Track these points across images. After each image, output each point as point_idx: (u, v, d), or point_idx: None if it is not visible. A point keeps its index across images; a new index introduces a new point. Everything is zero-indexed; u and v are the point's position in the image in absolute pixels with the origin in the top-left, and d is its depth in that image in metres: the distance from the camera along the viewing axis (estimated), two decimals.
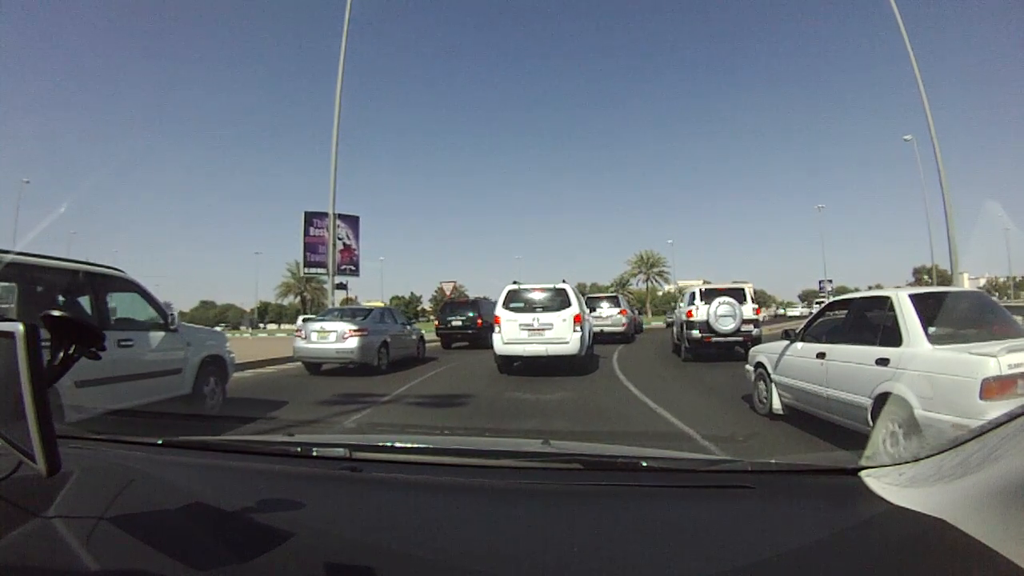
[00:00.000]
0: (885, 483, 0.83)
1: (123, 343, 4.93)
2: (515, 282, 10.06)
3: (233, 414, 5.84)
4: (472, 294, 26.99)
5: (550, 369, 9.29)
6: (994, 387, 2.99)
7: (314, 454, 1.25)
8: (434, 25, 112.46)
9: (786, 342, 5.35)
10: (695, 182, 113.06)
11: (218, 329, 9.93)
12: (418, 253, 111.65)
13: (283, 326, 59.29)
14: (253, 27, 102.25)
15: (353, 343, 9.95)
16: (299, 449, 1.32)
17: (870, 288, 22.37)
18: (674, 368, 10.75)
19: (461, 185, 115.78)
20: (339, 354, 10.02)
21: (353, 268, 20.45)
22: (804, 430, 4.88)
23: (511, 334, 9.45)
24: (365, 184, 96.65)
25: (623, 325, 18.12)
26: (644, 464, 1.13)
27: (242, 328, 63.72)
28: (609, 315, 18.09)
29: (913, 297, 3.93)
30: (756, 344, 7.57)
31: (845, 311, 4.94)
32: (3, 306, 4.40)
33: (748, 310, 11.30)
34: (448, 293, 28.80)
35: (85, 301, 4.86)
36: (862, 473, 0.90)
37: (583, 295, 12.24)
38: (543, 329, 9.36)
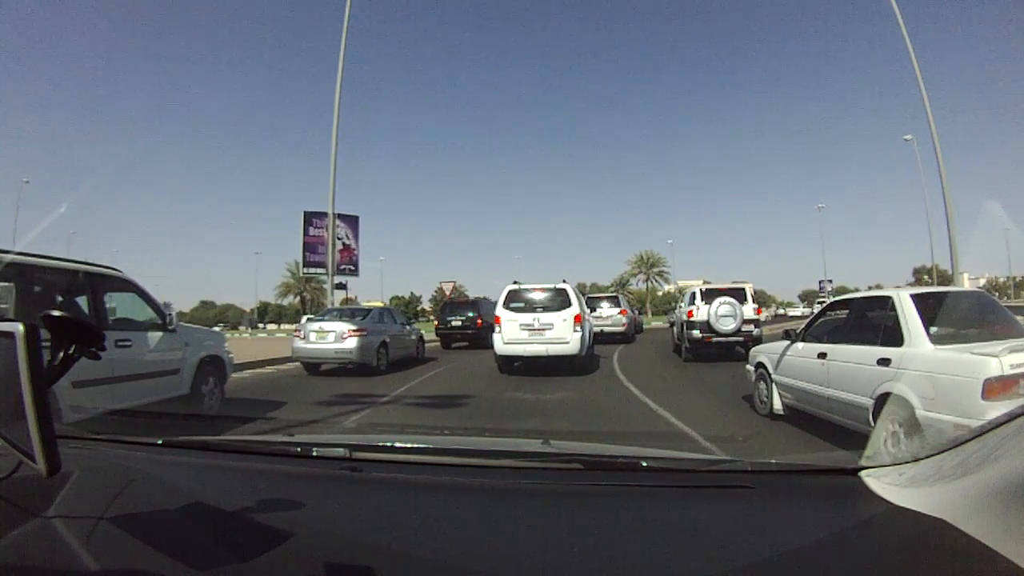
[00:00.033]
0: (885, 483, 0.83)
1: (121, 343, 4.92)
2: (515, 282, 10.06)
3: (232, 414, 5.83)
4: (472, 294, 27.04)
5: (550, 369, 9.28)
6: (996, 387, 2.98)
7: (314, 454, 1.25)
8: (434, 25, 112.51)
9: (787, 342, 5.35)
10: (695, 182, 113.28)
11: (216, 329, 9.90)
12: (418, 253, 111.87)
13: (283, 326, 59.33)
14: (253, 27, 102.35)
15: (352, 343, 9.93)
16: (299, 449, 1.32)
17: (870, 288, 22.37)
18: (675, 368, 10.75)
19: (461, 185, 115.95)
20: (338, 354, 10.00)
21: (352, 268, 20.45)
22: (805, 430, 4.88)
23: (511, 334, 9.45)
24: (365, 184, 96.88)
25: (623, 325, 18.12)
26: (644, 464, 1.13)
27: (241, 328, 63.69)
28: (609, 315, 18.10)
29: (914, 297, 3.92)
30: (757, 344, 7.57)
31: (846, 311, 4.93)
32: (1, 306, 4.40)
33: (749, 310, 11.29)
34: (448, 293, 28.80)
35: (83, 301, 4.85)
36: (862, 473, 0.90)
37: (583, 295, 12.24)
38: (543, 329, 9.36)
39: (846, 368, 4.26)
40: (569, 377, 8.94)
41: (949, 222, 16.04)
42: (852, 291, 13.99)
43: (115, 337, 4.85)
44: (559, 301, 9.56)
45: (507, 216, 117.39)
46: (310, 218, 19.32)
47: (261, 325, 71.83)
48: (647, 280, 66.82)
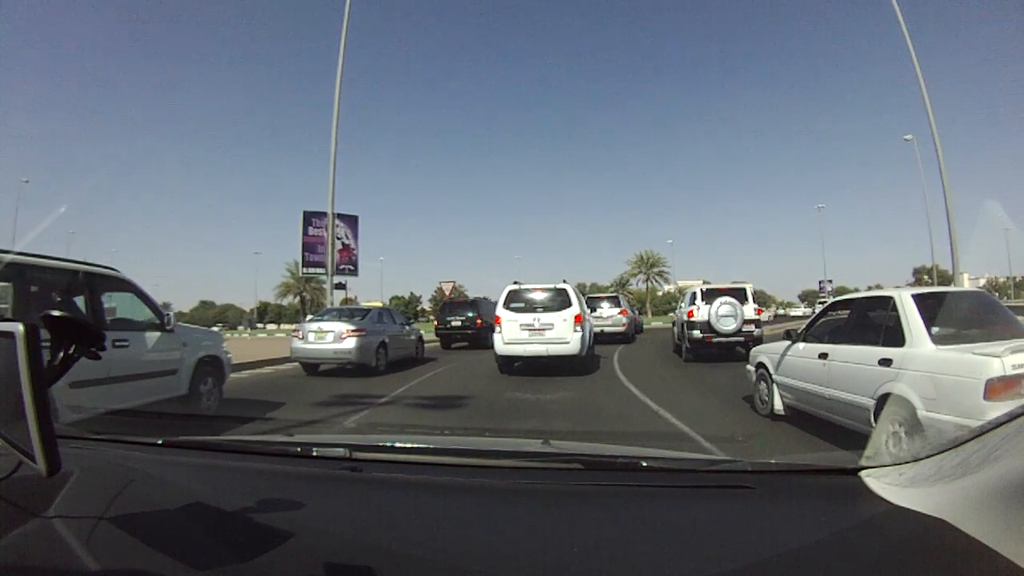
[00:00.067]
0: (885, 483, 0.83)
1: (118, 343, 4.90)
2: (516, 282, 10.06)
3: (231, 414, 5.82)
4: (472, 294, 27.00)
5: (551, 369, 9.28)
6: (998, 388, 2.98)
7: (314, 454, 1.25)
8: (434, 25, 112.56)
9: (788, 342, 5.34)
10: (695, 182, 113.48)
11: (215, 329, 9.86)
12: (418, 253, 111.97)
13: (282, 326, 59.31)
14: (252, 27, 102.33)
15: (351, 343, 9.90)
16: (299, 449, 1.32)
17: (870, 288, 22.37)
18: (675, 368, 10.74)
19: (461, 185, 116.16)
20: (336, 355, 9.97)
21: (352, 268, 20.44)
22: (805, 431, 4.87)
23: (512, 334, 9.45)
24: (365, 184, 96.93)
25: (623, 325, 18.12)
26: (644, 464, 1.13)
27: (239, 328, 63.65)
28: (610, 315, 18.10)
29: (916, 297, 3.91)
30: (757, 344, 7.56)
31: (847, 311, 4.92)
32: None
33: (749, 310, 11.28)
34: (447, 293, 28.79)
35: (80, 301, 4.83)
36: (862, 473, 0.90)
37: (583, 295, 12.24)
38: (544, 329, 9.35)
39: (847, 368, 4.25)
40: (569, 377, 8.93)
41: (950, 222, 16.07)
42: (852, 291, 13.98)
43: (113, 337, 4.83)
44: (559, 301, 9.55)
45: (507, 216, 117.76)
46: (309, 218, 19.31)
47: (260, 325, 71.80)
48: (647, 280, 66.85)
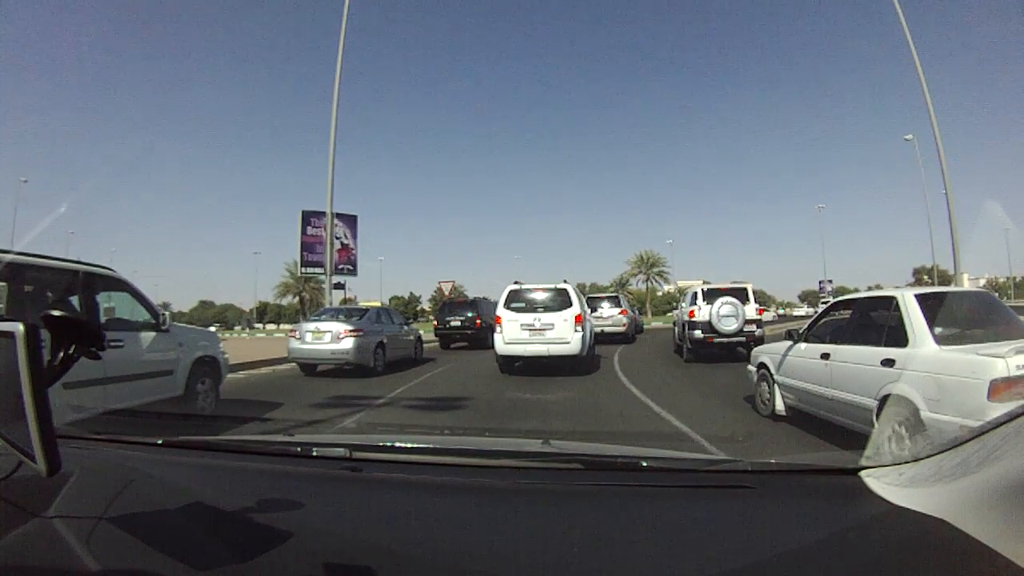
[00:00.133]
0: (885, 483, 0.83)
1: (113, 344, 4.87)
2: (516, 282, 10.06)
3: (229, 415, 5.80)
4: (471, 294, 27.00)
5: (551, 369, 9.28)
6: (1002, 388, 2.97)
7: (314, 454, 1.25)
8: (434, 24, 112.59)
9: (789, 342, 5.33)
10: (695, 182, 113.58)
11: (212, 329, 9.82)
12: (418, 253, 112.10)
13: (282, 326, 59.29)
14: (252, 26, 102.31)
15: (348, 344, 9.85)
16: (299, 449, 1.32)
17: (870, 288, 22.35)
18: (676, 369, 10.74)
19: (461, 185, 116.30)
20: (334, 355, 9.92)
21: (351, 268, 20.41)
22: (806, 431, 4.87)
23: (512, 334, 9.45)
24: (365, 184, 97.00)
25: (624, 325, 18.12)
26: (644, 464, 1.13)
27: (237, 328, 63.62)
28: (610, 315, 18.09)
29: (919, 297, 3.90)
30: (759, 344, 7.55)
31: (849, 311, 4.91)
32: None
33: (751, 310, 11.27)
34: (447, 293, 28.77)
35: (74, 301, 4.80)
36: (862, 473, 0.90)
37: (583, 295, 12.25)
38: (544, 329, 9.35)
39: (850, 369, 4.24)
40: (570, 377, 8.93)
41: (951, 222, 16.04)
42: (852, 291, 13.95)
43: (108, 337, 4.81)
44: (560, 301, 9.55)
45: (507, 216, 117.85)
46: (308, 217, 19.28)
47: (260, 325, 71.77)
48: (647, 280, 66.76)
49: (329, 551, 0.77)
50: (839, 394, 4.31)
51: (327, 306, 14.78)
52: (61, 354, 0.75)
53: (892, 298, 4.11)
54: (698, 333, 11.22)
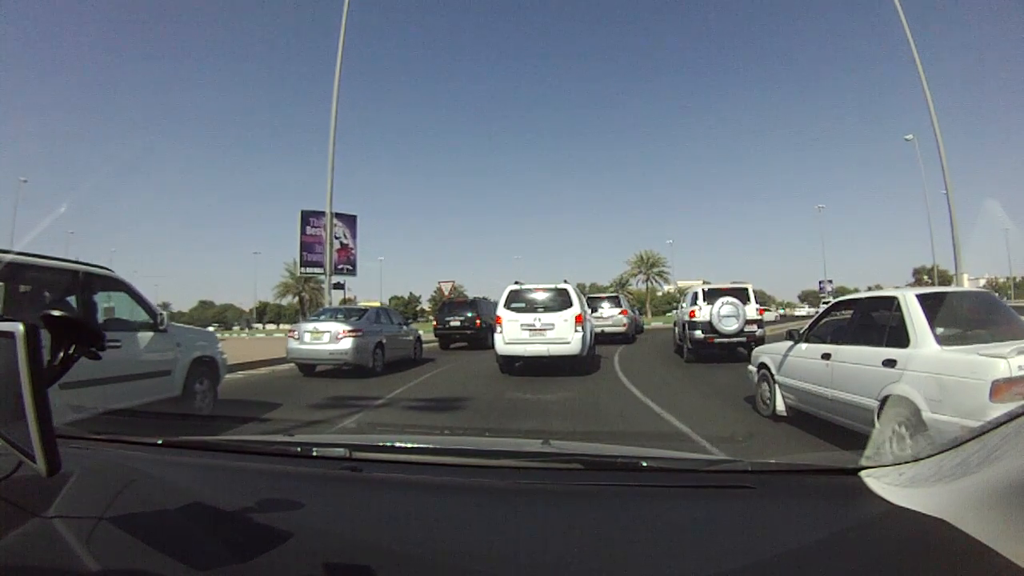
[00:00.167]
0: (885, 483, 0.83)
1: (111, 344, 4.82)
2: (517, 282, 10.05)
3: (228, 415, 5.78)
4: (471, 294, 27.00)
5: (551, 369, 9.27)
6: (1004, 389, 2.97)
7: (314, 454, 1.25)
8: (434, 24, 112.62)
9: (790, 343, 5.32)
10: (695, 182, 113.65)
11: (210, 330, 9.77)
12: (418, 253, 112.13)
13: (281, 326, 59.27)
14: (251, 26, 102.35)
15: (347, 344, 9.82)
16: (299, 449, 1.32)
17: (870, 288, 22.35)
18: (676, 369, 10.73)
19: (461, 185, 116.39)
20: (332, 355, 9.88)
21: (350, 268, 20.37)
22: (807, 431, 4.86)
23: (513, 334, 9.45)
24: (364, 184, 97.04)
25: (624, 325, 18.12)
26: (644, 464, 1.13)
27: (235, 328, 63.58)
28: (610, 315, 18.09)
29: (920, 297, 3.89)
30: (760, 345, 7.54)
31: (850, 312, 4.89)
32: None
33: (751, 310, 11.26)
34: (447, 293, 28.77)
35: (72, 301, 4.77)
36: (862, 473, 0.90)
37: (583, 295, 12.25)
38: (545, 329, 9.35)
39: (851, 369, 4.23)
40: (570, 378, 8.93)
41: (952, 222, 15.99)
42: (852, 291, 13.93)
43: (106, 337, 4.78)
44: (560, 301, 9.55)
45: (507, 216, 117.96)
46: (307, 217, 19.24)
47: (259, 325, 71.75)
48: (647, 280, 66.72)
49: (329, 551, 0.77)
50: (840, 394, 4.31)
51: (326, 306, 14.75)
52: (61, 354, 0.75)
53: (893, 298, 4.10)
54: (699, 333, 11.21)
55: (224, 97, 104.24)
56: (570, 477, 1.11)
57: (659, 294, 70.93)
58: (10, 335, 0.63)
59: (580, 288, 11.23)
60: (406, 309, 67.75)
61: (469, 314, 17.16)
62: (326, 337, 9.94)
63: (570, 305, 9.48)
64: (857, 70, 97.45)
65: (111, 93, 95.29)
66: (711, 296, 11.48)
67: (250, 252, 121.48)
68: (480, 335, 16.09)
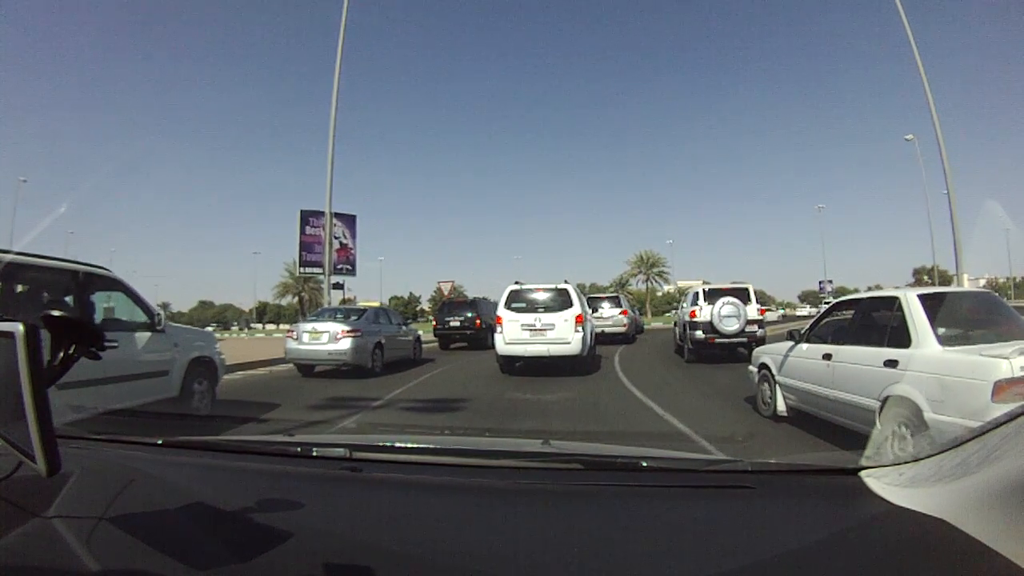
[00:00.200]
0: (885, 483, 0.83)
1: (107, 344, 4.83)
2: (517, 282, 10.05)
3: (228, 415, 5.76)
4: (471, 294, 26.98)
5: (552, 370, 9.27)
6: (1006, 389, 2.96)
7: (314, 454, 1.25)
8: (433, 24, 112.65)
9: (791, 343, 5.31)
10: (695, 182, 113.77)
11: (208, 330, 9.72)
12: (418, 253, 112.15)
13: (281, 326, 59.24)
14: (251, 26, 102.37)
15: (346, 344, 9.79)
16: (299, 449, 1.32)
17: (870, 289, 22.33)
18: (677, 369, 10.73)
19: (461, 185, 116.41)
20: (331, 355, 9.84)
21: (350, 267, 20.35)
22: (808, 432, 4.86)
23: (513, 334, 9.45)
24: (364, 184, 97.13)
25: (624, 325, 18.12)
26: (644, 464, 1.13)
27: (233, 328, 63.54)
28: (610, 315, 18.08)
29: (922, 297, 3.88)
30: (760, 345, 7.53)
31: (851, 312, 4.88)
32: None
33: (752, 310, 11.25)
34: (446, 293, 28.78)
35: (68, 300, 4.76)
36: (862, 473, 0.90)
37: (583, 295, 12.24)
38: (545, 329, 9.35)
39: (852, 370, 4.22)
40: (570, 378, 8.93)
41: (953, 222, 15.95)
42: (852, 291, 13.91)
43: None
44: (561, 301, 9.55)
45: (507, 216, 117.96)
46: (307, 217, 19.23)
47: (259, 325, 71.72)
48: (647, 280, 66.67)
49: (329, 551, 0.77)
50: (841, 395, 4.30)
51: (326, 306, 14.74)
52: (61, 354, 0.75)
53: (895, 298, 4.09)
54: (699, 333, 11.20)
55: (224, 97, 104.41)
56: (570, 477, 1.11)
57: (659, 294, 70.91)
58: (10, 335, 0.63)
59: (580, 288, 11.20)
60: (406, 309, 67.76)
61: (469, 314, 17.12)
62: (325, 337, 9.91)
63: (570, 305, 9.48)
64: (857, 70, 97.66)
65: (111, 93, 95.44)
66: (712, 296, 11.46)
67: (250, 252, 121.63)
68: (480, 335, 16.07)
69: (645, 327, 27.45)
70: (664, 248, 74.03)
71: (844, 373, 4.32)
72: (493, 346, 9.81)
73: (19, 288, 4.55)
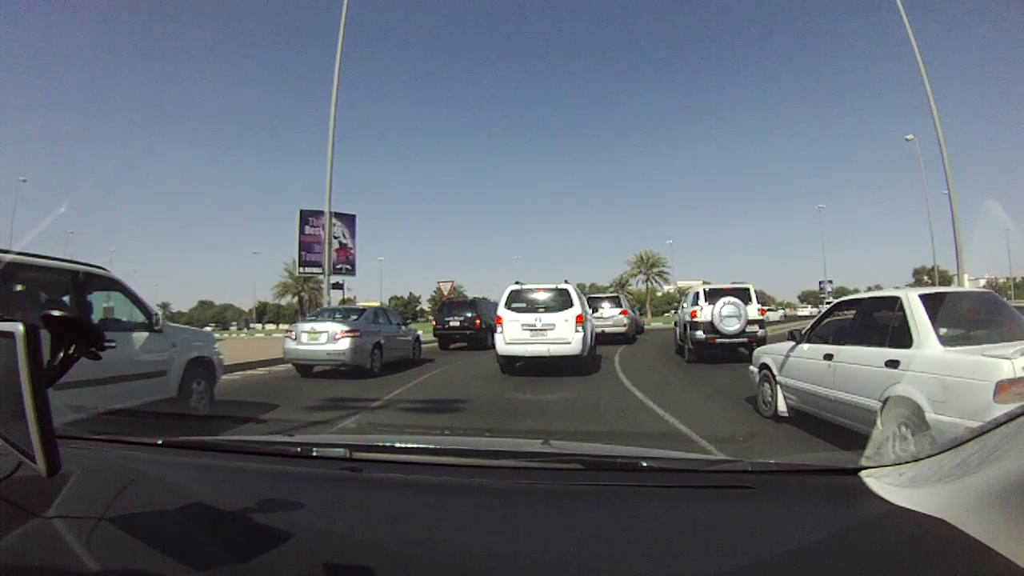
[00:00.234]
0: (885, 483, 0.83)
1: (106, 344, 4.81)
2: (518, 282, 10.06)
3: (227, 415, 5.75)
4: (471, 294, 26.94)
5: (552, 370, 9.27)
6: (1008, 389, 2.95)
7: (314, 454, 1.25)
8: (433, 23, 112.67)
9: (792, 343, 5.31)
10: (695, 182, 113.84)
11: (207, 330, 9.70)
12: (418, 253, 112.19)
13: (281, 326, 59.25)
14: (251, 26, 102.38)
15: (344, 344, 9.75)
16: (299, 449, 1.32)
17: (870, 289, 22.33)
18: (677, 369, 10.72)
19: (461, 185, 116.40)
20: (330, 356, 9.81)
21: (349, 267, 20.31)
22: (809, 432, 4.85)
23: (513, 334, 9.45)
24: (364, 184, 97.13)
25: (625, 326, 18.12)
26: (644, 464, 1.13)
27: (232, 328, 63.51)
28: (611, 315, 18.08)
29: (923, 297, 3.87)
30: (761, 345, 7.53)
31: (852, 312, 4.87)
32: None
33: (753, 310, 11.24)
34: (446, 293, 28.77)
35: (66, 300, 4.74)
36: (862, 473, 0.90)
37: (583, 295, 12.23)
38: (545, 329, 9.35)
39: (853, 370, 4.21)
40: (571, 378, 8.92)
41: (954, 222, 15.93)
42: (852, 292, 13.90)
43: None
44: (561, 301, 9.55)
45: (507, 216, 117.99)
46: (306, 217, 19.19)
47: (259, 325, 71.72)
48: (647, 280, 66.65)
49: (329, 551, 0.77)
50: (842, 395, 4.29)
51: (326, 306, 14.73)
52: (61, 354, 0.75)
53: (896, 299, 4.08)
54: (700, 334, 11.19)
55: (224, 97, 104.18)
56: (570, 477, 1.11)
57: (659, 294, 70.91)
58: (10, 335, 0.63)
59: (580, 288, 11.19)
60: (406, 309, 67.77)
61: (469, 314, 17.10)
62: (323, 337, 9.88)
63: (571, 305, 9.48)
64: (857, 70, 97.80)
65: (111, 93, 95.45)
66: (713, 296, 11.45)
67: (250, 252, 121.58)
68: (480, 335, 16.07)
69: (645, 327, 27.44)
70: (664, 248, 74.23)
71: (845, 373, 4.31)
72: (493, 346, 9.80)
73: (17, 288, 4.53)
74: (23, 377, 0.62)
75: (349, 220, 20.57)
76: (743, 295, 11.35)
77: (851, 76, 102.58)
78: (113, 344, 4.89)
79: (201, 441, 1.33)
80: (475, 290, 51.90)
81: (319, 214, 18.13)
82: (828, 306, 5.74)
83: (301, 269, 20.69)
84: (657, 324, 35.14)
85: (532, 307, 9.56)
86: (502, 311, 9.66)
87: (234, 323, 73.66)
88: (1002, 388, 2.97)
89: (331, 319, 10.52)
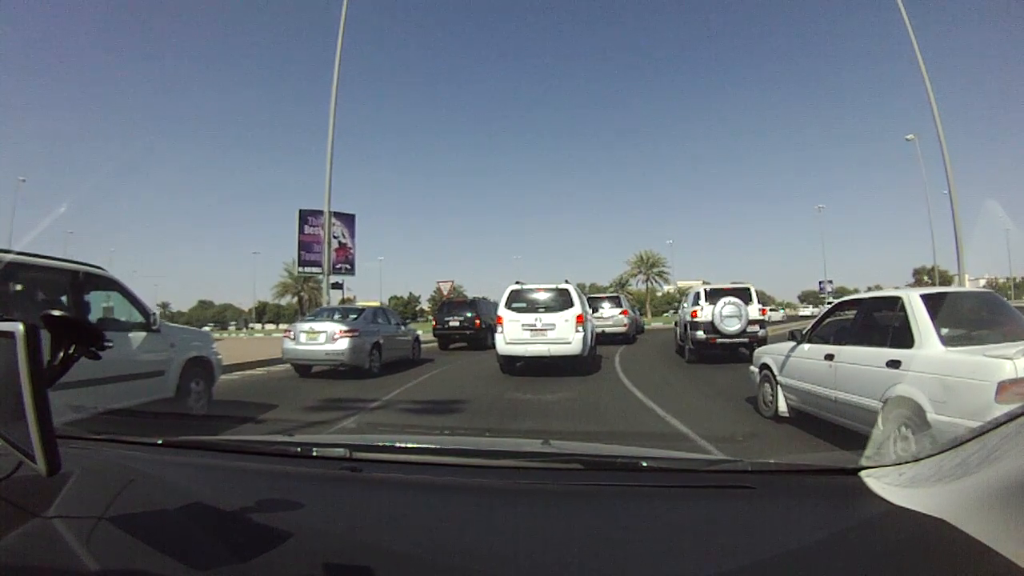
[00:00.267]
0: (885, 483, 0.83)
1: (105, 344, 4.81)
2: (518, 282, 10.06)
3: (226, 416, 5.74)
4: (471, 294, 26.91)
5: (552, 370, 9.27)
6: (1009, 389, 2.94)
7: (314, 454, 1.25)
8: (433, 23, 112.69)
9: (792, 343, 5.30)
10: (695, 182, 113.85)
11: (205, 330, 9.65)
12: (417, 253, 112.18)
13: (280, 326, 59.24)
14: (250, 26, 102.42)
15: (343, 344, 9.72)
16: (299, 449, 1.32)
17: (869, 289, 22.31)
18: (678, 369, 10.72)
19: (461, 185, 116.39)
20: (329, 356, 9.77)
21: (348, 267, 20.28)
22: (809, 432, 4.85)
23: (514, 334, 9.45)
24: (364, 183, 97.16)
25: (625, 326, 18.13)
26: (644, 464, 1.13)
27: (231, 328, 63.49)
28: (611, 315, 18.07)
29: (924, 297, 3.86)
30: (762, 345, 7.52)
31: (853, 312, 4.85)
32: None
33: (754, 310, 11.23)
34: (446, 293, 28.76)
35: (64, 300, 4.74)
36: (862, 473, 0.90)
37: (584, 295, 12.23)
38: (546, 329, 9.35)
39: (854, 370, 4.21)
40: (571, 378, 8.92)
41: (955, 222, 15.91)
42: (852, 292, 13.89)
43: None
44: (561, 301, 9.55)
45: (507, 216, 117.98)
46: (305, 216, 19.16)
47: (258, 325, 71.72)
48: (647, 280, 66.60)
49: (329, 551, 0.77)
50: (843, 395, 4.29)
51: (325, 306, 14.71)
52: (61, 354, 0.75)
53: (897, 299, 4.07)
54: (701, 334, 11.18)
55: (223, 97, 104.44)
56: (570, 477, 1.11)
57: (659, 294, 70.90)
58: (10, 335, 0.63)
59: (580, 288, 11.19)
60: (405, 309, 67.79)
61: (468, 314, 17.08)
62: (322, 337, 9.85)
63: (571, 305, 9.48)
64: (858, 70, 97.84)
65: (111, 93, 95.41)
66: (713, 296, 11.45)
67: (249, 252, 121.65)
68: (480, 335, 16.06)
69: (645, 327, 27.44)
70: (664, 248, 74.22)
71: (846, 373, 4.30)
72: (493, 346, 9.79)
73: (15, 288, 4.53)
74: (23, 377, 0.62)
75: (349, 220, 20.56)
76: (744, 295, 11.34)
77: (851, 76, 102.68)
78: (111, 344, 4.88)
79: (201, 441, 1.33)
80: (475, 290, 51.96)
81: (318, 214, 18.10)
82: (829, 306, 5.73)
83: (300, 269, 20.67)
84: (657, 324, 35.14)
85: (532, 307, 9.56)
86: (502, 311, 9.66)
87: (233, 323, 73.66)
88: (1004, 388, 2.96)
89: (330, 319, 10.50)
